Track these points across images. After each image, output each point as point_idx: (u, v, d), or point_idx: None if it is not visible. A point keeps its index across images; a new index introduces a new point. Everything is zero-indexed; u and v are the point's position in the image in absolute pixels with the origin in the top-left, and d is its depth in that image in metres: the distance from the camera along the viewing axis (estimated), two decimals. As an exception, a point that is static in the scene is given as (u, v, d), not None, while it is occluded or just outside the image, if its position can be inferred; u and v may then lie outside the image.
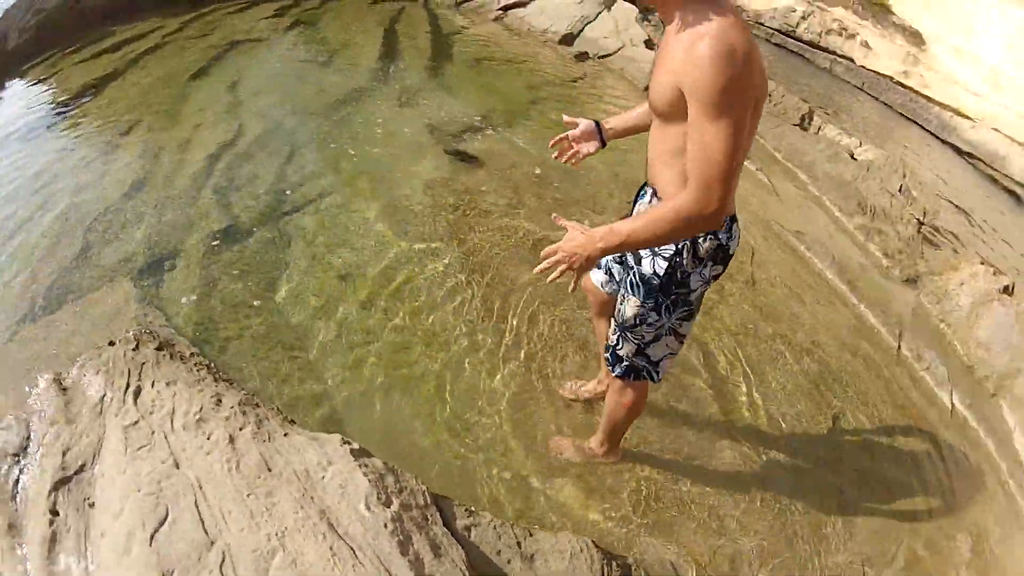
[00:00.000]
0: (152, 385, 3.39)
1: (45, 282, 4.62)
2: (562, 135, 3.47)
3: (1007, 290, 8.13)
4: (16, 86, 8.28)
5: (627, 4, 14.38)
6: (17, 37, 10.50)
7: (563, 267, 2.63)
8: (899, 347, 6.77)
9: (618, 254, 3.28)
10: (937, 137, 32.95)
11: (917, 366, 6.61)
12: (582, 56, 12.38)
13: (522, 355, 4.63)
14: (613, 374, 3.45)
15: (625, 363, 3.34)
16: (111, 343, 3.68)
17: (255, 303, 4.60)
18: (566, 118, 3.48)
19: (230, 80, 7.89)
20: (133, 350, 3.63)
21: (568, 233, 2.66)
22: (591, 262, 2.64)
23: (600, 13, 13.88)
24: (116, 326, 4.15)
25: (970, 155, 32.26)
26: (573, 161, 3.50)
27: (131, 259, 4.80)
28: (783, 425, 4.92)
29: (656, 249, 2.92)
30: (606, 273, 3.59)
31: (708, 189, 2.42)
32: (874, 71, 36.62)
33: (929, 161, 26.10)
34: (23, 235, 5.15)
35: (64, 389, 3.49)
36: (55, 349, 4.06)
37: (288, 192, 5.79)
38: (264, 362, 4.18)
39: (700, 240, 2.87)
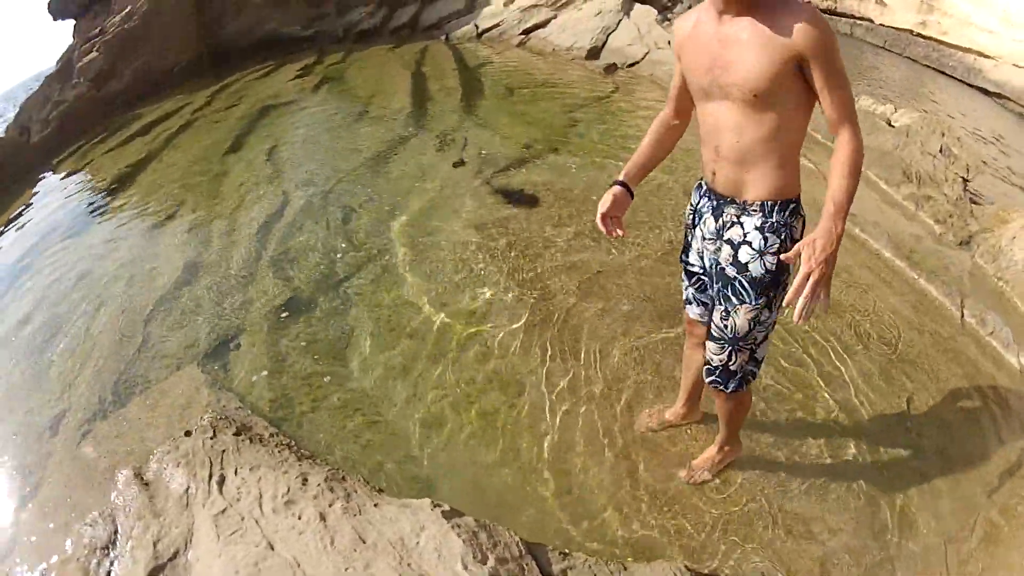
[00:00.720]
0: (236, 472, 3.38)
1: (111, 378, 4.58)
2: (602, 219, 3.29)
3: None
4: (49, 180, 8.35)
5: (646, 7, 14.33)
6: (40, 130, 10.57)
7: (823, 280, 2.61)
8: (962, 315, 6.67)
9: (705, 279, 3.35)
10: (964, 82, 32.89)
11: (982, 332, 6.47)
12: (610, 68, 12.32)
13: (597, 391, 4.52)
14: (728, 391, 3.40)
15: (739, 375, 3.33)
16: (187, 433, 3.67)
17: (326, 373, 4.50)
18: (603, 207, 3.31)
19: (267, 149, 7.88)
20: (211, 438, 3.62)
21: (805, 252, 2.57)
22: (835, 257, 2.64)
23: (620, 21, 13.79)
24: (190, 414, 4.10)
25: (999, 95, 32.18)
26: (621, 232, 3.33)
27: (195, 344, 4.76)
28: (859, 416, 4.85)
29: (762, 248, 2.95)
30: (699, 305, 3.54)
31: (855, 126, 2.72)
32: (893, 27, 36.74)
33: (963, 110, 25.98)
34: (81, 333, 5.15)
35: (146, 484, 3.49)
36: (131, 445, 4.01)
37: (342, 257, 5.72)
38: (344, 432, 4.11)
39: (795, 224, 2.95)
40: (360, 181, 7.00)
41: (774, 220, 2.97)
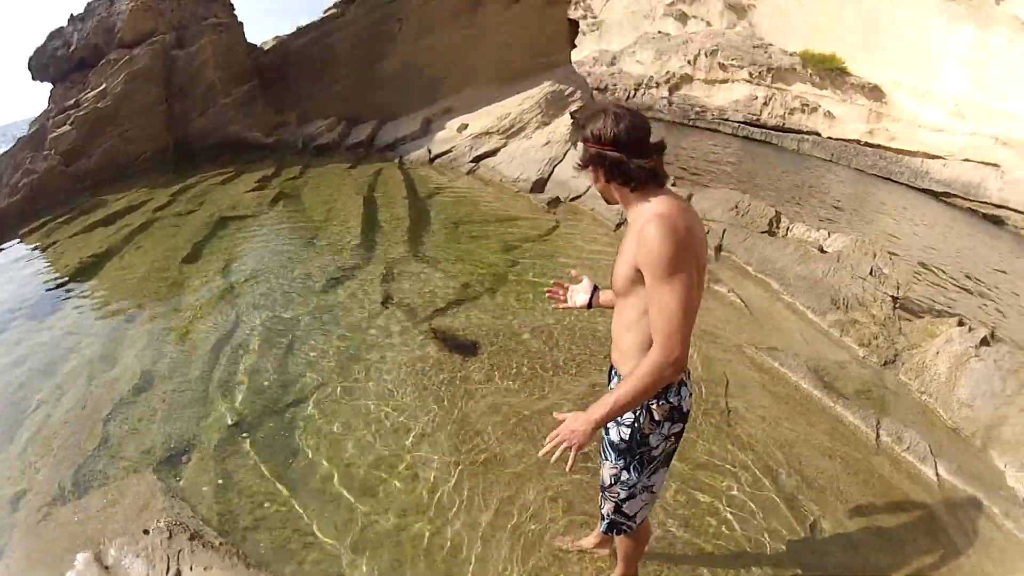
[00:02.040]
0: (191, 569, 3.81)
1: (70, 468, 4.91)
2: (563, 283, 4.06)
3: (985, 341, 8.34)
4: (16, 248, 8.60)
5: None
6: (9, 195, 10.82)
7: (564, 446, 2.98)
8: (877, 436, 7.02)
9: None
10: (911, 186, 33.36)
11: (897, 448, 6.85)
12: (554, 203, 12.59)
13: (522, 521, 4.87)
14: (602, 530, 3.86)
15: (607, 520, 3.75)
16: (145, 531, 4.06)
17: (270, 493, 4.79)
18: (573, 272, 4.08)
19: (222, 264, 8.17)
20: (168, 539, 4.02)
21: (567, 421, 3.03)
22: (588, 437, 2.99)
23: (568, 152, 14.18)
24: (147, 515, 4.37)
25: (946, 194, 32.83)
26: (556, 303, 4.06)
27: (150, 451, 5.06)
28: (760, 546, 5.13)
29: (618, 420, 3.36)
30: None
31: (671, 339, 2.90)
32: (840, 139, 37.43)
33: (908, 219, 26.29)
34: (43, 420, 5.49)
35: (106, 568, 3.90)
36: (90, 533, 4.30)
37: (289, 384, 6.00)
38: (283, 550, 4.37)
39: (653, 405, 3.30)
40: (308, 311, 7.33)
41: None
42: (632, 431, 3.37)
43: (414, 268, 8.78)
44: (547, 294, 4.06)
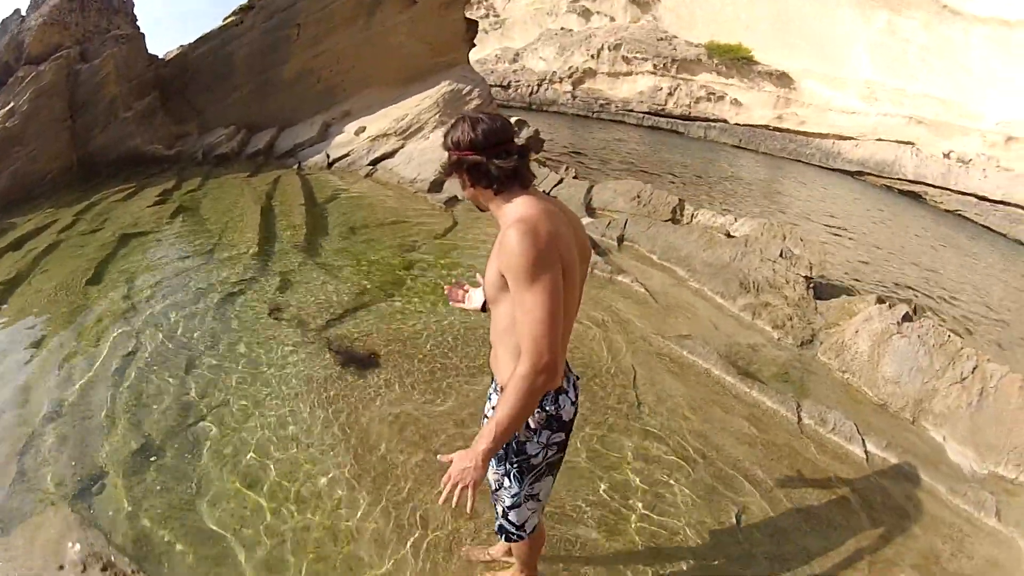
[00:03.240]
0: None
1: None
2: (463, 283, 4.17)
3: (907, 317, 8.66)
4: None
5: None
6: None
7: (460, 487, 2.93)
8: (799, 419, 7.10)
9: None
10: (823, 167, 34.20)
11: (822, 430, 6.96)
12: (451, 202, 12.89)
13: (430, 532, 4.96)
14: (495, 531, 3.86)
15: (497, 522, 3.76)
16: (61, 567, 4.26)
17: (179, 518, 4.85)
18: (478, 277, 3.79)
19: (124, 284, 8.24)
20: (82, 572, 4.22)
21: (454, 461, 2.99)
22: (481, 471, 2.95)
23: None
24: (62, 548, 4.46)
25: (859, 173, 33.75)
26: (454, 302, 4.12)
27: (64, 483, 5.07)
28: (687, 539, 5.24)
29: None
30: None
31: (537, 345, 2.83)
32: (748, 125, 38.04)
33: (820, 199, 26.73)
34: None
35: None
36: (18, 570, 4.36)
37: (191, 404, 6.08)
38: (196, 572, 4.48)
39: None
40: (207, 328, 7.41)
41: None
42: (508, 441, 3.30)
43: (310, 276, 8.98)
44: (445, 291, 4.15)
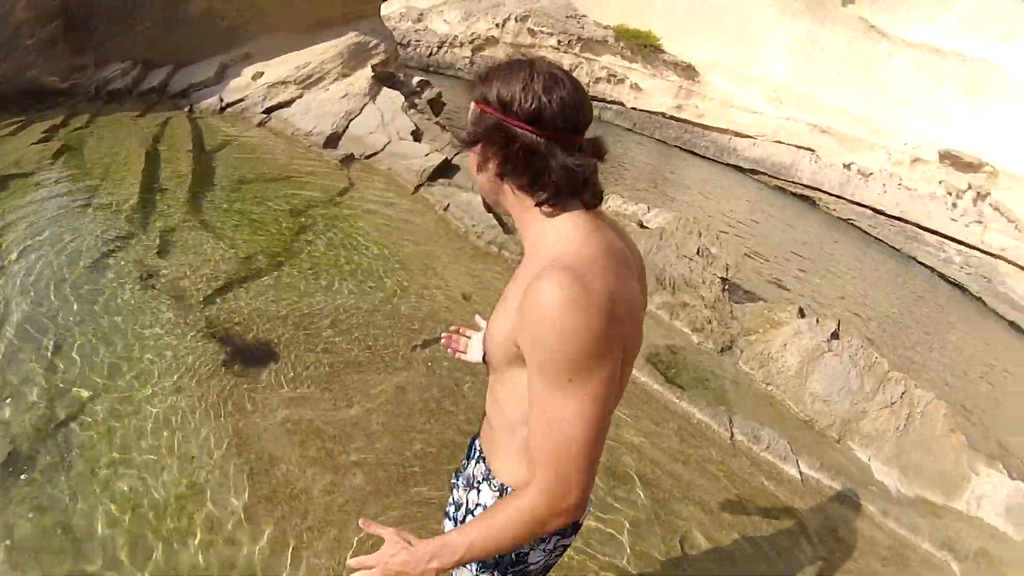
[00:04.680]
0: None
1: None
2: (463, 328, 3.07)
3: (835, 335, 8.80)
4: None
5: (394, 92, 14.68)
6: None
7: None
8: (732, 435, 7.09)
9: (452, 513, 2.71)
10: (716, 161, 35.48)
11: (756, 448, 6.96)
12: (347, 160, 12.49)
13: None
14: None
15: None
16: None
17: (57, 545, 4.30)
18: (477, 319, 3.03)
19: None
20: None
21: (384, 546, 2.11)
22: None
23: (365, 106, 14.12)
24: None
25: (753, 171, 34.97)
26: (453, 352, 3.02)
27: None
28: (632, 569, 5.08)
29: None
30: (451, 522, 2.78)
31: (565, 478, 1.92)
32: (647, 110, 38.78)
33: (718, 195, 27.57)
34: None
35: None
36: None
37: (60, 397, 5.35)
38: None
39: None
40: (77, 296, 6.65)
41: None
42: None
43: (191, 237, 8.36)
44: (443, 342, 3.03)
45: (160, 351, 6.23)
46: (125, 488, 4.78)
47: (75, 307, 6.52)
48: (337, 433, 5.74)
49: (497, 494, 2.39)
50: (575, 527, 2.49)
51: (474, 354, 2.96)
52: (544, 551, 2.43)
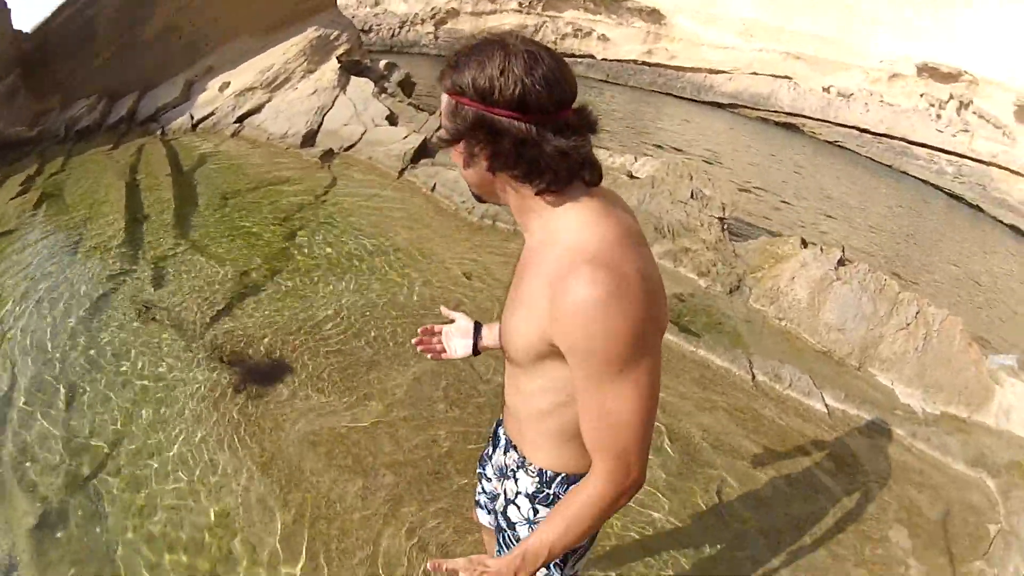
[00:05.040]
0: None
1: None
2: (432, 327, 2.98)
3: (841, 262, 8.74)
4: None
5: (362, 80, 14.59)
6: None
7: None
8: (753, 377, 7.07)
9: (489, 504, 2.91)
10: (694, 100, 35.53)
11: (779, 387, 6.96)
12: (327, 156, 12.45)
13: None
14: None
15: None
16: None
17: None
18: (443, 310, 3.01)
19: None
20: None
21: (464, 573, 2.10)
22: None
23: (336, 98, 14.01)
24: None
25: (733, 106, 34.99)
26: (432, 356, 2.95)
27: None
28: (672, 527, 5.11)
29: (531, 518, 2.46)
30: (489, 513, 2.98)
31: (624, 459, 1.95)
32: (617, 60, 38.71)
33: (699, 128, 27.64)
34: None
35: None
36: None
37: (80, 450, 5.29)
38: None
39: None
40: (81, 344, 6.55)
41: (551, 492, 2.40)
42: None
43: (184, 262, 8.26)
44: (417, 346, 2.94)
45: (171, 385, 6.16)
46: (159, 529, 4.74)
47: (80, 358, 6.40)
48: (361, 436, 5.69)
49: (536, 479, 2.40)
50: None
51: (458, 349, 2.92)
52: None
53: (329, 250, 9.08)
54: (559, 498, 2.34)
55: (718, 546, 5.05)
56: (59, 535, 4.63)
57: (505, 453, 2.63)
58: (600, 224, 1.94)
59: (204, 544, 4.67)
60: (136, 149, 11.99)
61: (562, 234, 1.95)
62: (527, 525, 2.48)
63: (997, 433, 7.19)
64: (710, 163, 22.30)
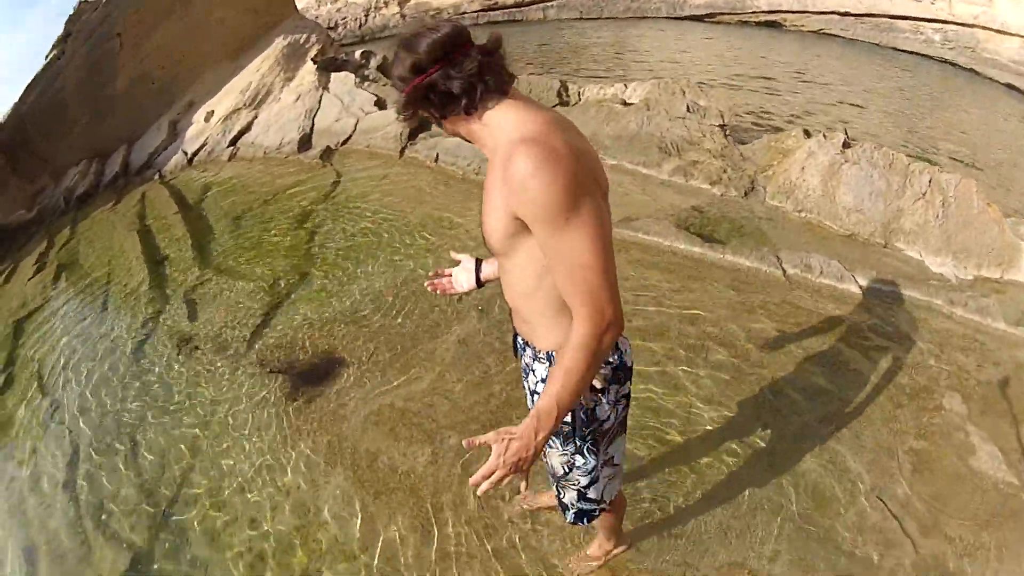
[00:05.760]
0: None
1: None
2: (440, 270, 3.48)
3: (846, 144, 8.58)
4: None
5: (342, 74, 14.54)
6: None
7: (509, 478, 2.41)
8: (784, 272, 6.99)
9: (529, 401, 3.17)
10: (671, 17, 35.20)
11: (811, 277, 6.89)
12: (327, 154, 12.42)
13: (480, 527, 4.60)
14: (568, 521, 3.35)
15: (572, 511, 3.27)
16: None
17: None
18: (452, 254, 3.52)
19: (35, 379, 7.40)
20: None
21: (494, 449, 2.38)
22: (536, 455, 2.42)
23: (322, 97, 13.94)
24: None
25: (710, 16, 34.75)
26: (443, 293, 3.46)
27: None
28: (733, 425, 5.18)
29: None
30: None
31: (594, 299, 2.29)
32: None
33: (684, 45, 27.45)
34: None
35: None
36: None
37: (154, 490, 5.37)
38: None
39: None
40: (131, 392, 6.63)
41: None
42: (574, 412, 2.82)
43: (213, 290, 8.34)
44: (428, 286, 3.44)
45: (230, 406, 6.20)
46: (246, 545, 4.79)
47: (133, 404, 6.48)
48: (420, 407, 5.75)
49: (547, 363, 2.81)
50: (627, 373, 2.89)
51: (464, 283, 3.39)
52: (609, 403, 2.84)
53: (351, 240, 9.07)
54: None
55: (781, 441, 5.05)
56: (151, 571, 4.71)
57: (523, 353, 3.01)
58: (527, 117, 2.40)
59: (292, 548, 4.72)
60: (139, 198, 12.03)
61: (502, 134, 2.41)
62: None
63: (1033, 287, 7.11)
64: (699, 75, 22.10)
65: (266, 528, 4.87)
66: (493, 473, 2.36)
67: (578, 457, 2.95)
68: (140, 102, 14.71)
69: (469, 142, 2.62)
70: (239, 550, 4.73)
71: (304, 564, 4.57)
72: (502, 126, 2.42)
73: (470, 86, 2.41)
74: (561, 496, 3.25)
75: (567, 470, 3.03)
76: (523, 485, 2.53)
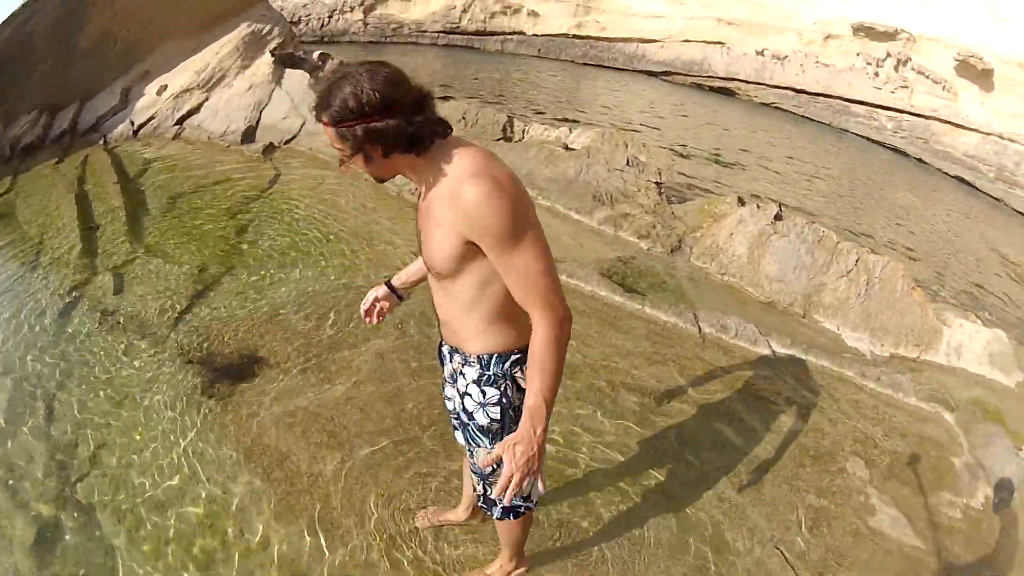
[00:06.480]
0: None
1: None
2: (368, 307, 3.82)
3: (777, 216, 9.06)
4: None
5: (297, 72, 14.65)
6: None
7: (528, 480, 2.68)
8: (700, 330, 7.37)
9: (455, 417, 3.55)
10: (626, 70, 35.74)
11: (726, 337, 7.29)
12: (269, 150, 12.66)
13: (385, 539, 4.82)
14: (494, 517, 3.71)
15: (500, 506, 3.55)
16: None
17: None
18: (369, 294, 3.86)
19: None
20: None
21: (505, 458, 2.66)
22: (543, 450, 2.72)
23: (273, 92, 14.10)
24: None
25: (666, 73, 35.29)
26: (378, 318, 3.86)
27: None
28: (638, 471, 5.46)
29: (482, 400, 3.21)
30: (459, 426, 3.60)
31: (549, 300, 2.74)
32: (547, 35, 38.96)
33: (636, 92, 27.69)
34: None
35: None
36: None
37: (66, 462, 5.43)
38: None
39: (517, 373, 3.16)
40: (50, 357, 6.66)
41: (491, 373, 3.16)
42: (502, 409, 3.22)
43: (141, 268, 8.42)
44: (367, 320, 3.86)
45: (145, 388, 6.36)
46: (152, 529, 4.97)
47: (53, 371, 6.55)
48: (333, 414, 6.02)
49: (477, 365, 3.20)
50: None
51: (388, 304, 3.86)
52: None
53: (281, 241, 9.34)
54: (498, 376, 3.17)
55: (683, 487, 5.41)
56: (57, 549, 4.82)
57: (451, 361, 3.41)
58: (469, 155, 2.79)
59: (197, 536, 4.93)
60: (81, 160, 12.06)
61: (447, 169, 2.79)
62: (481, 409, 3.25)
63: (950, 370, 7.57)
64: (644, 131, 22.48)
65: (173, 514, 5.08)
66: (511, 479, 2.66)
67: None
68: (100, 61, 14.52)
69: (384, 180, 3.01)
70: (145, 534, 4.93)
71: (207, 555, 4.80)
72: (447, 162, 2.81)
73: (431, 129, 2.78)
74: (488, 493, 3.56)
75: (495, 467, 3.25)
76: (541, 486, 2.82)
